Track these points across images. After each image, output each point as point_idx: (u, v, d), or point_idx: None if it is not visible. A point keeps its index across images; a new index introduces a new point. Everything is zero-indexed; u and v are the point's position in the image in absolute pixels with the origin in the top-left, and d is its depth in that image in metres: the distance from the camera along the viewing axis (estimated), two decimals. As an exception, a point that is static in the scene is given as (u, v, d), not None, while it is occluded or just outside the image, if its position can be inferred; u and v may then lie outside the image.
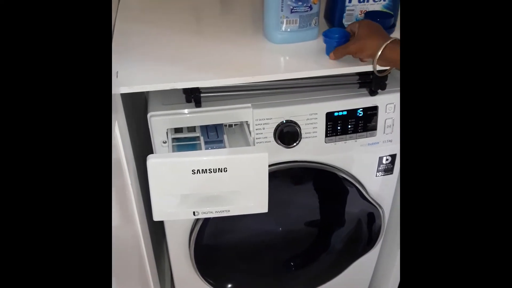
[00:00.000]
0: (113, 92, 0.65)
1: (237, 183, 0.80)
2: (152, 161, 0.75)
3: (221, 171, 0.77)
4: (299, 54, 0.86)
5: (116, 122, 0.67)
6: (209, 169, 0.77)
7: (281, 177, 1.00)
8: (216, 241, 1.10)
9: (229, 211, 0.81)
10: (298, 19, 0.86)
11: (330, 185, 1.07)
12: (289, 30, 0.87)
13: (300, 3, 0.84)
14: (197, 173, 0.77)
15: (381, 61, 0.77)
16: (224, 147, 0.88)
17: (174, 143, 0.91)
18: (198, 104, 0.88)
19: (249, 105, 0.91)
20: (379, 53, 0.75)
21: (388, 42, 0.75)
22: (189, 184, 0.78)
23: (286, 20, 0.86)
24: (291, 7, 0.84)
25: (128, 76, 0.77)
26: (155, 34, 0.93)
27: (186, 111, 0.88)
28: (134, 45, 0.88)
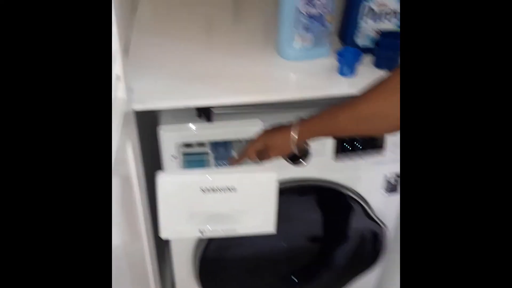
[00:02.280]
0: (113, 98, 0.64)
1: (245, 202, 0.79)
2: (162, 179, 0.74)
3: (230, 190, 0.77)
4: (311, 72, 0.85)
5: (129, 140, 0.66)
6: (218, 188, 0.76)
7: (287, 194, 0.99)
8: (220, 256, 1.09)
9: (236, 230, 0.81)
10: (311, 37, 0.85)
11: (335, 202, 1.06)
12: (302, 47, 0.86)
13: (314, 21, 0.84)
14: (206, 191, 0.76)
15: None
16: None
17: (183, 158, 0.90)
18: (209, 120, 0.87)
19: (259, 121, 0.90)
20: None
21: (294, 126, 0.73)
22: (198, 202, 0.77)
23: (300, 38, 0.85)
24: (305, 25, 0.84)
25: (142, 92, 0.76)
26: (168, 47, 0.92)
27: (196, 126, 0.87)
28: (149, 59, 0.87)
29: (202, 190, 0.76)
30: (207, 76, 0.82)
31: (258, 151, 0.80)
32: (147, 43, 0.93)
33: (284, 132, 0.75)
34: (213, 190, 0.76)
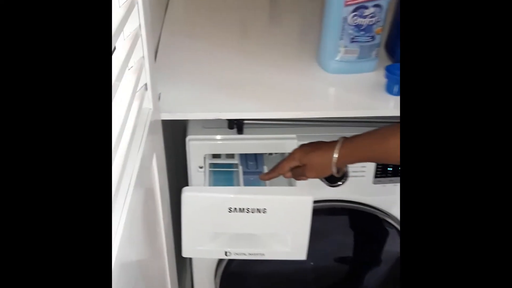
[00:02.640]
0: (138, 107, 0.59)
1: (276, 226, 0.73)
2: (187, 194, 0.69)
3: (260, 212, 0.71)
4: (354, 88, 0.78)
5: (154, 154, 0.61)
6: (247, 209, 0.70)
7: (319, 214, 0.93)
8: (243, 272, 1.03)
9: (263, 254, 0.75)
10: (358, 49, 0.78)
11: (370, 225, 0.99)
12: (346, 60, 0.79)
13: (362, 32, 0.77)
14: (233, 211, 0.70)
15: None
16: (264, 182, 0.81)
17: (210, 169, 0.85)
18: (240, 132, 0.82)
19: (294, 136, 0.84)
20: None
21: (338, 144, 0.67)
22: (224, 222, 0.72)
23: (345, 50, 0.78)
24: (352, 36, 0.77)
25: (169, 100, 0.71)
26: (200, 51, 0.87)
27: (226, 137, 0.82)
28: (178, 63, 0.82)
29: (230, 209, 0.70)
30: (240, 86, 0.76)
31: (293, 168, 0.74)
32: (176, 46, 0.88)
33: (325, 151, 0.69)
34: (242, 210, 0.70)
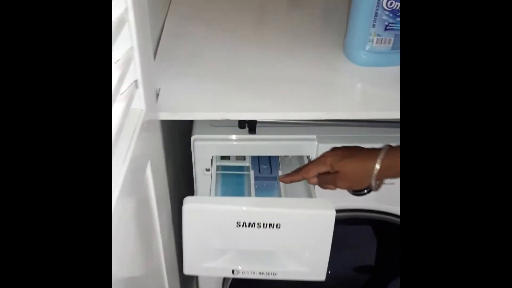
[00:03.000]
0: (124, 108, 0.49)
1: (291, 243, 0.63)
2: (189, 206, 0.60)
3: (273, 227, 0.61)
4: (386, 83, 0.67)
5: (149, 160, 0.51)
6: (258, 223, 0.61)
7: (339, 224, 0.83)
8: (254, 281, 0.95)
9: (276, 274, 0.65)
10: (393, 39, 0.67)
11: (395, 235, 0.89)
12: (378, 51, 0.68)
13: (399, 19, 0.65)
14: (242, 226, 0.61)
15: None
16: (278, 188, 0.71)
17: (218, 171, 0.75)
18: (252, 131, 0.72)
19: (314, 137, 0.73)
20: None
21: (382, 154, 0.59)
22: (231, 237, 0.62)
23: (377, 39, 0.67)
24: (387, 23, 0.65)
25: (171, 96, 0.61)
26: (210, 40, 0.76)
27: (237, 137, 0.72)
28: (183, 53, 0.71)
29: (238, 223, 0.61)
30: (253, 82, 0.65)
31: (321, 174, 0.65)
32: (182, 34, 0.77)
33: (364, 160, 0.60)
34: (252, 225, 0.61)
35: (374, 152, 0.60)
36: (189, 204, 0.59)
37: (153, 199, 0.55)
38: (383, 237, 0.94)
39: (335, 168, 0.62)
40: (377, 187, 0.62)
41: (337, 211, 0.75)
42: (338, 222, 0.81)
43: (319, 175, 0.65)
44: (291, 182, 0.69)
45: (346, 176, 0.61)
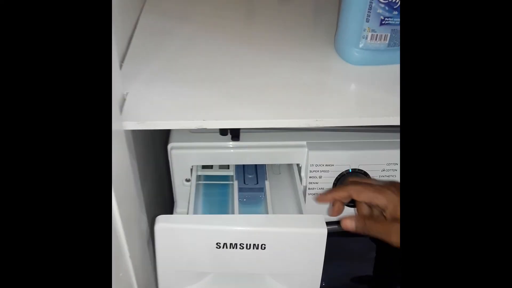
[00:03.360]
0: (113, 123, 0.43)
1: (278, 265, 0.57)
2: (162, 226, 0.53)
3: (257, 248, 0.55)
4: (383, 85, 0.60)
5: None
6: (240, 244, 0.54)
7: (336, 236, 0.77)
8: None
9: (262, 299, 0.59)
10: (389, 34, 0.60)
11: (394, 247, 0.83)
12: (373, 48, 0.61)
13: (396, 12, 0.58)
14: (223, 247, 0.54)
15: None
16: (264, 200, 0.65)
17: (200, 181, 0.69)
18: (235, 138, 0.65)
19: (304, 143, 0.67)
20: None
21: None
22: (211, 260, 0.56)
23: (372, 35, 0.60)
24: (382, 17, 0.59)
25: (141, 103, 0.54)
26: (189, 37, 0.69)
27: (219, 145, 0.66)
28: (158, 53, 0.64)
29: (218, 245, 0.54)
30: (236, 85, 0.58)
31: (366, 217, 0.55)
32: (158, 30, 0.70)
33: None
34: (234, 246, 0.54)
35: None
36: (160, 224, 0.52)
37: (118, 220, 0.48)
38: (381, 247, 0.88)
39: (393, 214, 0.51)
40: None
41: (333, 223, 0.68)
42: (334, 234, 0.75)
43: (365, 219, 0.55)
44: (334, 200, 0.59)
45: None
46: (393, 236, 0.50)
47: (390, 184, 0.55)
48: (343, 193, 0.56)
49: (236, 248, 0.54)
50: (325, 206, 0.67)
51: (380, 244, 0.87)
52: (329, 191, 0.58)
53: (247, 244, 0.54)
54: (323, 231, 0.54)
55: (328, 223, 0.56)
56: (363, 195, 0.54)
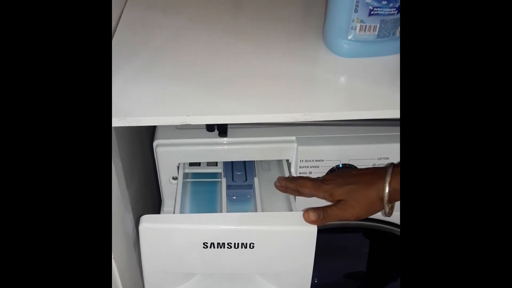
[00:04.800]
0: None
1: (267, 265, 0.55)
2: (146, 226, 0.51)
3: (245, 247, 0.53)
4: (373, 77, 0.58)
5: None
6: (228, 244, 0.53)
7: (329, 233, 0.76)
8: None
9: (252, 299, 0.57)
10: (378, 25, 0.58)
11: (387, 242, 0.82)
12: (362, 39, 0.60)
13: (385, 2, 0.57)
14: (210, 247, 0.53)
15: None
16: (253, 197, 0.63)
17: (187, 179, 0.67)
18: (222, 134, 0.64)
19: (293, 138, 0.65)
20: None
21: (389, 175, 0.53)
22: (197, 261, 0.54)
23: (361, 26, 0.58)
24: (371, 7, 0.57)
25: (123, 98, 0.52)
26: (174, 29, 0.67)
27: (206, 141, 0.64)
28: (142, 47, 0.62)
29: (205, 245, 0.52)
30: (222, 79, 0.56)
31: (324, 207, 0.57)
32: (142, 22, 0.68)
33: (370, 185, 0.54)
34: (221, 246, 0.52)
35: (378, 173, 0.54)
36: (144, 224, 0.51)
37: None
38: (374, 243, 0.87)
39: (336, 197, 0.55)
40: (390, 212, 0.55)
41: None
42: (327, 231, 0.73)
43: (324, 210, 0.57)
44: (286, 188, 0.62)
45: (353, 205, 0.54)
46: (345, 213, 0.55)
47: (321, 182, 0.59)
48: (291, 184, 0.61)
49: (224, 247, 0.53)
50: (317, 203, 0.66)
51: (373, 240, 0.86)
52: (284, 178, 0.63)
53: (235, 244, 0.52)
54: (313, 228, 0.53)
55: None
56: (305, 189, 0.59)
